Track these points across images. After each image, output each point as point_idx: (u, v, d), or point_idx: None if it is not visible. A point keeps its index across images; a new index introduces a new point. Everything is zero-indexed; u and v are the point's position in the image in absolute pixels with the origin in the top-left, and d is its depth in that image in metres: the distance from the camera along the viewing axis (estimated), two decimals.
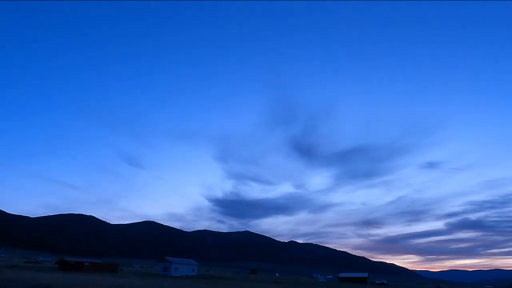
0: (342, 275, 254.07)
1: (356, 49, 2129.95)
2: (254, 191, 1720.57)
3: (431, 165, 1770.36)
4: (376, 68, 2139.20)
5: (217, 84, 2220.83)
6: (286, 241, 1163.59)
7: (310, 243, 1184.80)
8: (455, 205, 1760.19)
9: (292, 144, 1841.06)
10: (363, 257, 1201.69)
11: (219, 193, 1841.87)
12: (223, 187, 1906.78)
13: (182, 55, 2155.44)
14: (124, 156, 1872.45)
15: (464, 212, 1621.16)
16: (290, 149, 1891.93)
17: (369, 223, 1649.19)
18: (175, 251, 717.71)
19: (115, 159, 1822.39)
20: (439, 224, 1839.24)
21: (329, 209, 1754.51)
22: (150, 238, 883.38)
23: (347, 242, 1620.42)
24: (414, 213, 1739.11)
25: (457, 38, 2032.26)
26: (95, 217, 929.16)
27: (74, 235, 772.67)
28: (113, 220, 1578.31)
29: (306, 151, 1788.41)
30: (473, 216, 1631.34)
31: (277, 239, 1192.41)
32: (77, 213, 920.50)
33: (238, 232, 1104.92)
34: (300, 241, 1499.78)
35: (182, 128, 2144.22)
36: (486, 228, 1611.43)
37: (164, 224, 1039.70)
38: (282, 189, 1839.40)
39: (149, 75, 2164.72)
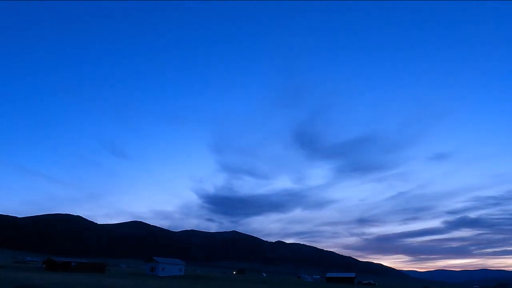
0: (329, 275, 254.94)
1: (367, 32, 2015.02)
2: (248, 186, 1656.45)
3: (440, 156, 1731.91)
4: (386, 51, 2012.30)
5: (214, 59, 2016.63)
6: (274, 241, 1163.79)
7: (298, 243, 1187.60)
8: (459, 201, 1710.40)
9: (294, 132, 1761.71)
10: (350, 257, 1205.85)
11: (210, 188, 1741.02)
12: (215, 181, 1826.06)
13: (172, 25, 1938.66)
14: (107, 144, 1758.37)
15: (465, 209, 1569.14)
16: (291, 138, 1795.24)
17: (364, 221, 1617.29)
18: (162, 251, 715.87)
19: (98, 148, 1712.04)
20: (436, 223, 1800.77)
21: (326, 206, 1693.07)
22: (137, 238, 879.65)
23: (340, 242, 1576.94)
24: (414, 210, 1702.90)
25: (472, 18, 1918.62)
26: (82, 217, 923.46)
27: (61, 235, 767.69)
28: (100, 219, 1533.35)
29: (308, 141, 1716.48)
30: (473, 214, 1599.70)
31: (266, 238, 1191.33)
32: (64, 213, 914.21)
33: (225, 232, 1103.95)
34: (291, 240, 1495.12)
35: (172, 110, 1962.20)
36: (485, 227, 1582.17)
37: (152, 223, 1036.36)
38: (278, 184, 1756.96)
39: (134, 49, 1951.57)
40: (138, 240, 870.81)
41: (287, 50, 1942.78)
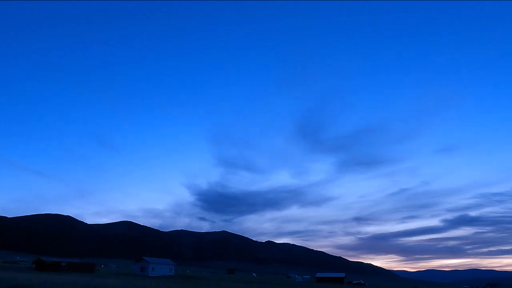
0: (319, 275, 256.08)
1: (376, 21, 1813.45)
2: (244, 182, 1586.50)
3: (448, 149, 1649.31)
4: (394, 39, 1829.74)
5: (211, 41, 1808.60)
6: (263, 241, 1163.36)
7: (288, 243, 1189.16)
8: (463, 198, 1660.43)
9: (296, 122, 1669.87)
10: (340, 257, 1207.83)
11: (203, 184, 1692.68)
12: (209, 176, 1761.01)
13: (165, 6, 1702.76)
14: (94, 135, 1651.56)
15: (468, 207, 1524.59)
16: (293, 128, 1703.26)
17: (362, 219, 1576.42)
18: (152, 251, 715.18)
19: (85, 139, 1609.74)
20: (435, 221, 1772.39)
21: (324, 203, 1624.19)
22: (127, 238, 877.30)
23: (334, 241, 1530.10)
24: (414, 208, 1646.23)
25: (482, 5, 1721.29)
26: (72, 217, 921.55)
27: (51, 235, 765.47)
28: (89, 217, 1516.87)
29: (310, 132, 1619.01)
30: (474, 212, 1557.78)
31: (259, 238, 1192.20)
32: (54, 213, 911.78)
33: (215, 232, 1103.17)
34: (285, 239, 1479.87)
35: (166, 96, 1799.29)
36: (484, 226, 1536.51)
37: (142, 223, 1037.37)
38: (276, 180, 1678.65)
39: (123, 31, 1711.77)
40: (128, 240, 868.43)
41: (291, 38, 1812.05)
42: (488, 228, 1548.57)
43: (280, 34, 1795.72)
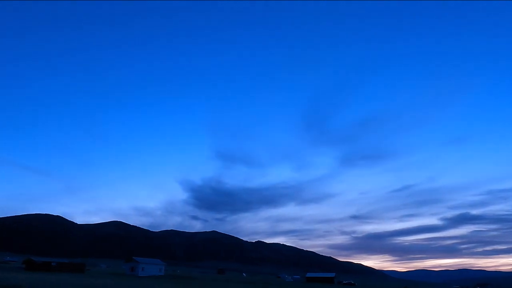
0: (309, 275, 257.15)
1: (385, 9, 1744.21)
2: (240, 178, 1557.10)
3: (457, 140, 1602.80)
4: (402, 24, 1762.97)
5: (209, 17, 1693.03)
6: (254, 241, 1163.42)
7: (278, 243, 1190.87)
8: (467, 195, 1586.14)
9: (302, 109, 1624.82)
10: (330, 257, 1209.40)
11: (197, 179, 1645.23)
12: (204, 170, 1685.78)
13: None
14: (83, 123, 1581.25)
15: (471, 205, 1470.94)
16: (298, 117, 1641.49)
17: (359, 218, 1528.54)
18: (142, 251, 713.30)
19: (72, 128, 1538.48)
20: (434, 220, 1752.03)
21: (323, 201, 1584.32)
22: (117, 238, 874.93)
23: (329, 241, 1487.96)
24: (415, 206, 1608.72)
25: None
26: (62, 217, 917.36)
27: (41, 235, 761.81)
28: (79, 216, 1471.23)
29: (316, 122, 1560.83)
30: (476, 211, 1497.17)
31: (251, 237, 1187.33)
32: (44, 213, 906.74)
33: (205, 232, 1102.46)
34: (279, 239, 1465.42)
35: (159, 80, 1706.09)
36: (485, 224, 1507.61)
37: (132, 222, 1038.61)
38: (274, 175, 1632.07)
39: (114, 11, 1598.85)
40: (118, 240, 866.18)
41: (296, 22, 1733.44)
42: (489, 227, 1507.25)
43: (284, 18, 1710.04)
